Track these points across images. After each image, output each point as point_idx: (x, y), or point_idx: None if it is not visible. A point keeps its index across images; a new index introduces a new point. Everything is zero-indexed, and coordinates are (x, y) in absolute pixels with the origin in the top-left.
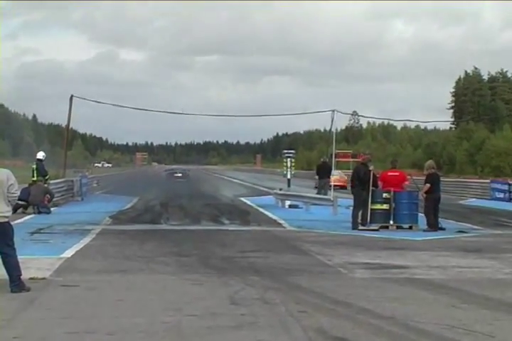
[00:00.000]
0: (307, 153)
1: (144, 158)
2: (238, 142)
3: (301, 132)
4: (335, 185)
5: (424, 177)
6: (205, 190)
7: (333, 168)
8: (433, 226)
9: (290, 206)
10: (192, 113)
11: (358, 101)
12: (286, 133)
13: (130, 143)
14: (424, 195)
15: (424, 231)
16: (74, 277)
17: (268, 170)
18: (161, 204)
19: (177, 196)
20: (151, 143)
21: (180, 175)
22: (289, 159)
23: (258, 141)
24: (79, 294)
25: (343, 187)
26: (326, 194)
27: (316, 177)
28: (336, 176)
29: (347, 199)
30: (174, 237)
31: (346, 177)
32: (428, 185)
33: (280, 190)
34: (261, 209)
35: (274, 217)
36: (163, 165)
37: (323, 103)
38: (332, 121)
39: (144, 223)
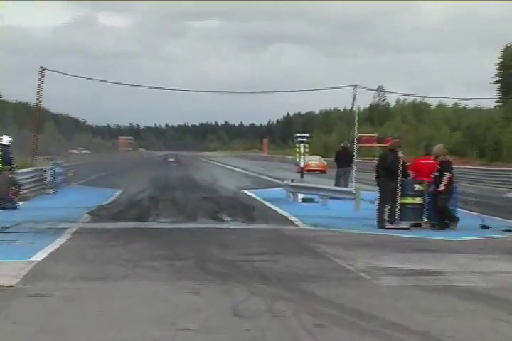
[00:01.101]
0: (324, 136)
1: (128, 143)
2: (241, 124)
3: (317, 112)
4: (313, 170)
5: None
6: (202, 180)
7: (355, 154)
8: (454, 218)
9: (304, 200)
10: (186, 89)
11: (384, 74)
12: (299, 113)
13: (112, 126)
14: (441, 188)
15: (433, 229)
16: (46, 285)
17: (277, 157)
18: (149, 198)
19: (169, 188)
20: (137, 126)
21: (173, 160)
22: (302, 144)
23: (265, 123)
24: (52, 305)
25: (322, 172)
26: (346, 185)
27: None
28: (316, 161)
29: (371, 192)
30: (166, 237)
31: (326, 163)
32: (449, 175)
33: (292, 181)
34: (268, 204)
35: (285, 213)
36: (152, 151)
37: (343, 77)
38: (353, 98)
39: (130, 220)
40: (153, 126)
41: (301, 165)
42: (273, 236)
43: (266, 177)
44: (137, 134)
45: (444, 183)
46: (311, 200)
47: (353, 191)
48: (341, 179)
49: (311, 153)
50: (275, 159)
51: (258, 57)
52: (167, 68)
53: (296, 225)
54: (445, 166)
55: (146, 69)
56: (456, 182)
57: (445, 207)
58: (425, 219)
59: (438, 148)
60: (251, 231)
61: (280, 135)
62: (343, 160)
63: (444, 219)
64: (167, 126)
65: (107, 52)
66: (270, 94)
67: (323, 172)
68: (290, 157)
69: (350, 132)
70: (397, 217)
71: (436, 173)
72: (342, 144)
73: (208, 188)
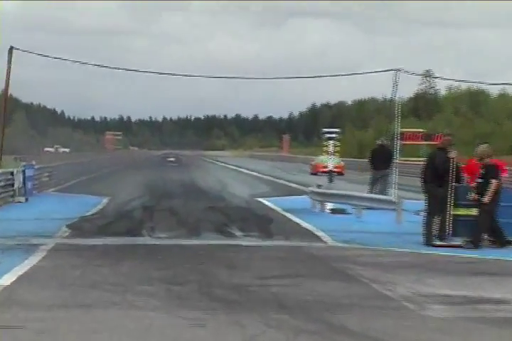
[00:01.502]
0: (358, 133)
1: (116, 139)
2: (256, 117)
3: (349, 102)
4: (329, 171)
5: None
6: (206, 186)
7: (396, 153)
8: (502, 239)
9: (333, 211)
10: (188, 74)
11: (433, 56)
12: (327, 104)
13: (97, 118)
14: (485, 200)
15: (465, 246)
16: (16, 314)
17: (300, 157)
18: (143, 208)
19: (167, 195)
20: (128, 119)
21: (173, 159)
22: (331, 142)
23: (285, 115)
24: (24, 338)
25: (339, 174)
26: (384, 192)
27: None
28: (333, 162)
29: (417, 201)
30: (162, 256)
31: (343, 164)
32: (496, 182)
33: (319, 186)
34: (289, 215)
35: (309, 227)
36: (146, 150)
37: (382, 59)
38: (395, 85)
39: (119, 235)
40: (147, 119)
41: (330, 166)
42: (295, 255)
43: (286, 183)
44: (128, 129)
45: (489, 193)
46: (342, 211)
47: (394, 200)
48: (378, 184)
49: (343, 153)
50: (298, 160)
51: (275, 34)
52: (164, 48)
53: (324, 242)
54: (491, 171)
55: (139, 49)
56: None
57: (486, 223)
58: (485, 236)
59: (482, 148)
60: (267, 249)
61: (304, 130)
62: (380, 160)
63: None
64: (164, 119)
65: (91, 29)
66: (291, 81)
67: (340, 174)
68: (316, 157)
69: (390, 127)
70: (449, 231)
71: (480, 180)
72: (378, 141)
73: (215, 196)
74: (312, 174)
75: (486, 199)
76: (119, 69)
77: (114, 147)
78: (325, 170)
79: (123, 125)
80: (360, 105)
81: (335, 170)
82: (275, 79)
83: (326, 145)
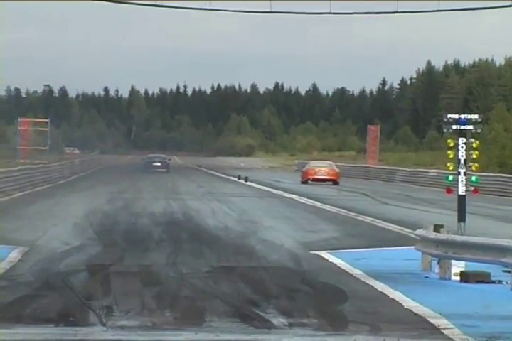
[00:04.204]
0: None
1: (39, 130)
2: (315, 88)
3: (497, 62)
4: (321, 179)
5: None
6: (216, 226)
7: None
8: None
9: (465, 276)
10: (174, 5)
11: None
12: (456, 65)
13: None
14: None
15: None
16: None
17: (401, 171)
18: (90, 269)
19: (137, 243)
20: (62, 90)
21: (159, 164)
22: (462, 140)
23: (373, 87)
24: None
25: (334, 182)
26: None
27: None
28: (325, 167)
29: None
30: None
31: (338, 170)
32: None
33: (439, 229)
34: (380, 286)
35: (420, 309)
36: (98, 153)
37: None
38: None
39: (44, 322)
40: (99, 92)
41: (461, 189)
42: None
43: (374, 221)
44: (60, 110)
45: None
46: (483, 277)
47: None
48: None
49: (485, 163)
50: (397, 175)
51: None
52: None
53: (450, 339)
54: None
55: None
56: None
57: None
58: None
59: None
60: None
61: (411, 115)
62: None
63: None
64: (133, 91)
65: None
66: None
67: (334, 182)
68: (432, 171)
69: None
70: None
71: None
72: None
73: (233, 245)
74: (302, 183)
75: None
76: None
77: (26, 146)
78: (316, 177)
79: (52, 101)
80: None
81: (328, 177)
82: (354, 14)
83: (453, 146)
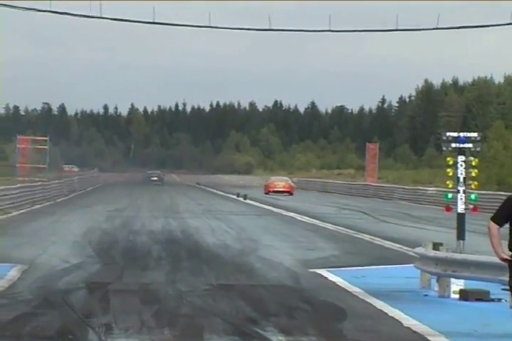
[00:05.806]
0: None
1: (40, 149)
2: (314, 105)
3: (496, 79)
4: (279, 191)
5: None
6: (215, 244)
7: None
8: None
9: (464, 295)
10: (173, 23)
11: None
12: (454, 82)
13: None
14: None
15: None
16: None
17: (401, 189)
18: (89, 287)
19: (135, 261)
20: (61, 108)
21: (156, 178)
22: (461, 158)
23: (372, 105)
24: None
25: (289, 194)
26: None
27: None
28: (282, 182)
29: None
30: None
31: (293, 184)
32: None
33: (438, 247)
34: (379, 304)
35: (420, 328)
36: (96, 171)
37: None
38: None
39: (45, 339)
40: (98, 110)
41: (460, 208)
42: None
43: (372, 239)
44: (60, 128)
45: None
46: (481, 295)
47: None
48: None
49: (484, 181)
50: (395, 193)
51: None
52: None
53: None
54: None
55: None
56: None
57: None
58: None
59: None
60: None
61: (410, 133)
62: None
63: None
64: (132, 109)
65: None
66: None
67: (289, 193)
68: (431, 189)
69: None
70: None
71: None
72: None
73: (232, 263)
74: (265, 194)
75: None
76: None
77: (30, 167)
78: (276, 189)
79: (50, 119)
80: None
81: (284, 189)
82: (346, 32)
83: (452, 164)
